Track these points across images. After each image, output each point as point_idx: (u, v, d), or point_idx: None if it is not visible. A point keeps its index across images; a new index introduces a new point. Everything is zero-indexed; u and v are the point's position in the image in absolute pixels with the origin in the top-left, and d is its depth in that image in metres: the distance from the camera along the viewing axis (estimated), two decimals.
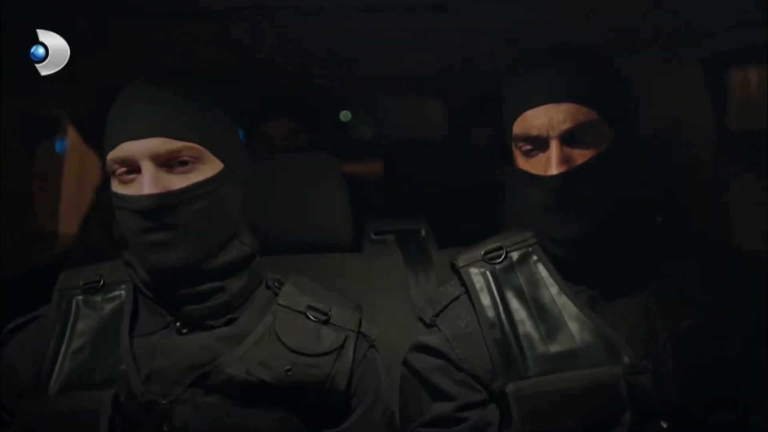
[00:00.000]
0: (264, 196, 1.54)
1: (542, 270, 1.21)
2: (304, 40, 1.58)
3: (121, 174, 1.12)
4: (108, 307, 1.21)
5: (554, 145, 1.12)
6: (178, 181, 1.11)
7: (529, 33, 1.43)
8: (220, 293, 1.18)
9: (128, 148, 1.10)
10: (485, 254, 1.24)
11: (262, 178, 1.24)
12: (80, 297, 1.22)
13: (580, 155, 1.13)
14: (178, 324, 1.18)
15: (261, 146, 2.18)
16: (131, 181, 1.12)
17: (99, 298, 1.22)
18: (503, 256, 1.23)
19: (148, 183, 1.09)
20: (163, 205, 1.09)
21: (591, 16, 1.36)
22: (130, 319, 1.19)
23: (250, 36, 1.51)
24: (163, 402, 1.11)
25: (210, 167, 1.14)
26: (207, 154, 1.14)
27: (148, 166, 1.10)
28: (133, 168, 1.11)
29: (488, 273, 1.23)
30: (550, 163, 1.13)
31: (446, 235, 1.81)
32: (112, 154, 1.12)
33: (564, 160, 1.12)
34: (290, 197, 1.62)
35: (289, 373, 1.14)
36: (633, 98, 1.20)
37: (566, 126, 1.12)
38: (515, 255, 1.24)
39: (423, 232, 1.86)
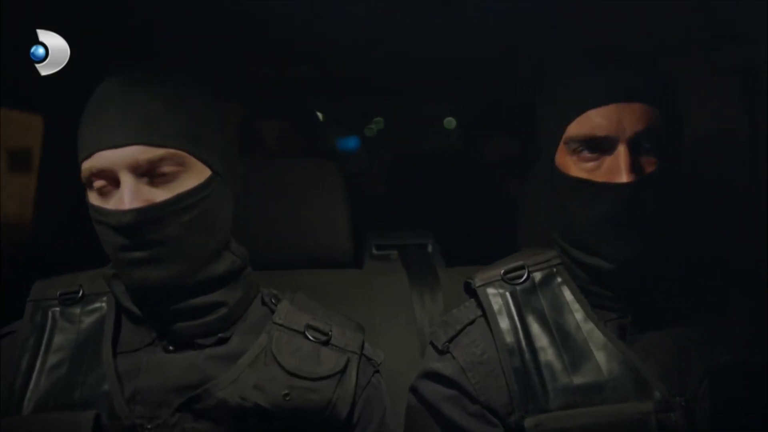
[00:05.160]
0: (257, 206, 1.46)
1: (567, 294, 1.12)
2: (303, 37, 1.51)
3: (99, 186, 1.03)
4: (87, 321, 1.12)
5: (623, 150, 1.02)
6: (161, 193, 1.03)
7: (548, 35, 1.36)
8: (220, 308, 1.10)
9: (104, 158, 1.01)
10: (505, 273, 1.15)
11: (255, 186, 1.16)
12: (57, 309, 1.14)
13: (648, 163, 1.04)
14: (164, 341, 1.09)
15: (253, 149, 2.07)
16: (110, 193, 1.03)
17: (77, 310, 1.13)
18: (525, 277, 1.14)
19: (127, 197, 1.00)
20: (145, 220, 1.01)
21: (613, 16, 1.29)
22: (111, 333, 1.10)
23: (247, 25, 1.45)
24: (149, 426, 1.03)
25: (196, 175, 1.05)
26: (192, 160, 1.05)
27: (127, 178, 1.01)
28: (111, 179, 1.02)
29: (508, 294, 1.13)
30: (618, 170, 1.02)
31: (455, 251, 1.72)
32: (87, 164, 1.03)
33: (633, 166, 1.02)
34: (286, 207, 1.53)
35: (288, 398, 1.05)
36: (682, 106, 1.11)
37: (638, 128, 1.02)
38: (538, 276, 1.14)
39: (429, 248, 1.77)
